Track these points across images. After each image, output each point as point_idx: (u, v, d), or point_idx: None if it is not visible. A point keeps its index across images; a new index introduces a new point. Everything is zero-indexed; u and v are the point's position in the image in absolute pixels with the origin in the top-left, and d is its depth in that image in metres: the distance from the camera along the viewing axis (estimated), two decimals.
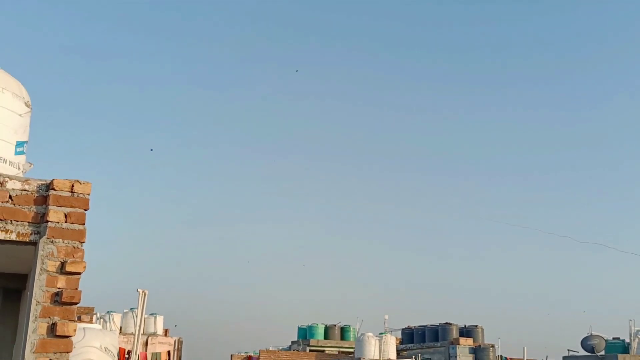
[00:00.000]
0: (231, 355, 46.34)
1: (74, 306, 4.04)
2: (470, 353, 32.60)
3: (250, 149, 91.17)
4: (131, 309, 33.01)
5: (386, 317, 35.24)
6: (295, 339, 43.77)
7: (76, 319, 4.27)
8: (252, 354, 44.78)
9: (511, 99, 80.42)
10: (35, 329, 3.94)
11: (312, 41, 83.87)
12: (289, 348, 43.26)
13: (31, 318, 3.94)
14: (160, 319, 35.32)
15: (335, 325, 43.12)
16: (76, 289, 4.06)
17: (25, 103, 5.26)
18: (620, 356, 24.33)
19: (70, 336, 4.01)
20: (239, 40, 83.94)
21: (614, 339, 26.66)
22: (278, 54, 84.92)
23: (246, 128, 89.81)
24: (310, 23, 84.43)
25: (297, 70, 78.06)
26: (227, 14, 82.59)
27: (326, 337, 42.59)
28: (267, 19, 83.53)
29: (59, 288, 4.02)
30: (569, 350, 26.82)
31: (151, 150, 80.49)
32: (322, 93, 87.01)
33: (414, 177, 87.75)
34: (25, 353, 3.89)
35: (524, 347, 35.32)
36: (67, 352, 3.99)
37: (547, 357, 34.09)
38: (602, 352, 25.27)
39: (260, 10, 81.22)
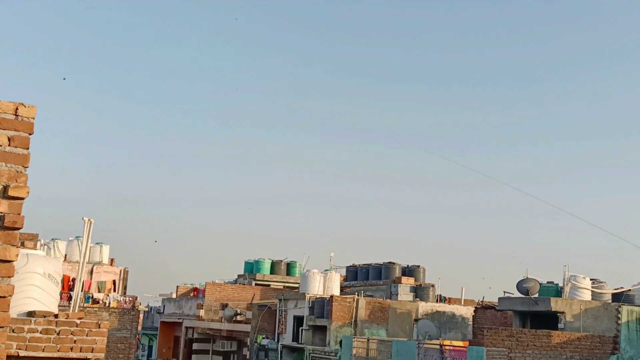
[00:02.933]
0: (177, 287, 46.67)
1: (16, 231, 3.98)
2: (411, 291, 33.59)
3: (204, 81, 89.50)
4: (76, 237, 32.70)
5: (332, 254, 35.93)
6: (242, 272, 44.21)
7: (19, 244, 4.22)
8: (198, 286, 45.16)
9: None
10: None
11: None
12: (235, 282, 43.70)
13: None
14: (106, 249, 35.12)
15: (281, 260, 43.65)
16: (19, 214, 3.99)
17: None
18: (553, 299, 25.39)
19: (12, 261, 3.96)
20: None
21: (548, 282, 27.77)
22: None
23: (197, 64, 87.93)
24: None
25: (236, 19, 77.22)
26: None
27: (272, 272, 43.13)
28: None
29: (1, 212, 3.95)
30: (504, 292, 27.87)
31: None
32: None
33: (357, 110, 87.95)
34: None
35: (462, 288, 36.68)
36: (9, 277, 3.95)
37: (483, 297, 35.49)
38: (536, 295, 26.32)
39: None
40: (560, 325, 24.74)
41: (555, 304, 25.16)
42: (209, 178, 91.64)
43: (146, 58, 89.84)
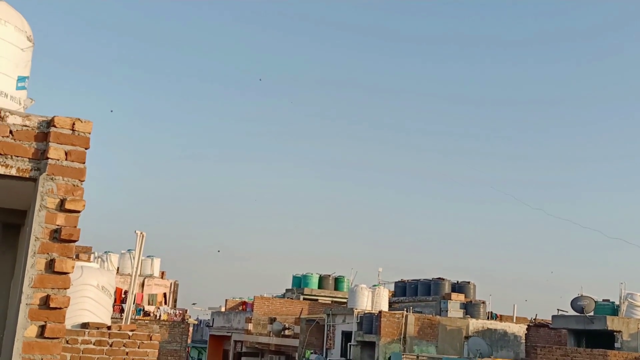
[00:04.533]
0: (226, 300, 47.02)
1: (72, 244, 4.05)
2: (461, 308, 33.02)
3: (253, 92, 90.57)
4: (129, 250, 33.33)
5: (380, 269, 35.70)
6: (290, 287, 44.25)
7: (74, 256, 4.29)
8: (246, 300, 45.42)
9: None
10: (33, 264, 3.96)
11: None
12: (283, 296, 43.77)
13: (30, 253, 3.95)
14: (157, 262, 35.69)
15: (329, 275, 43.53)
16: (75, 226, 4.06)
17: (27, 37, 5.17)
18: (609, 318, 24.63)
19: (68, 273, 4.03)
20: None
21: (603, 300, 26.97)
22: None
23: (246, 71, 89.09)
24: None
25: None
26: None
27: (320, 286, 43.04)
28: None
29: (58, 225, 4.02)
30: (558, 309, 27.17)
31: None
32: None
33: (413, 125, 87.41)
34: (24, 287, 3.91)
35: (514, 305, 35.90)
36: (65, 289, 4.02)
37: (536, 315, 34.63)
38: (591, 313, 25.59)
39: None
40: (616, 345, 23.97)
41: (612, 323, 24.40)
42: (259, 193, 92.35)
43: (197, 72, 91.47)
